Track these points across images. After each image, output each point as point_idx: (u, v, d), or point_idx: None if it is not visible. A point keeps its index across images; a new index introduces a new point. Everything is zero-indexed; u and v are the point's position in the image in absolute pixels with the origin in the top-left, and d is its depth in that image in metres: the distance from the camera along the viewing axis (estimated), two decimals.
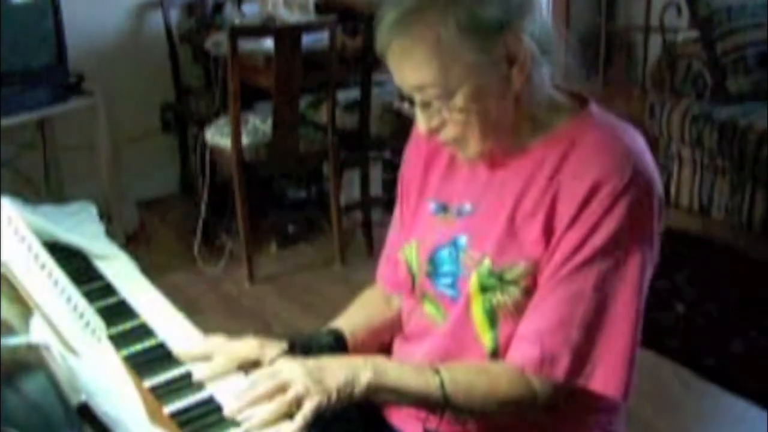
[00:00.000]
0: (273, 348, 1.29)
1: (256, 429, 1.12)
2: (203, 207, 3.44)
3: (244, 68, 3.15)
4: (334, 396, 1.14)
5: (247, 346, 1.28)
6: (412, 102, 1.27)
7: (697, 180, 3.66)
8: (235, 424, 1.15)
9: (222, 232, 3.58)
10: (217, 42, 3.45)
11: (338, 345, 1.39)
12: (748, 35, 3.66)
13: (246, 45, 3.19)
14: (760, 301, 3.04)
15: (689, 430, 2.50)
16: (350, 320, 1.45)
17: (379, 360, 1.25)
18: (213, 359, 1.27)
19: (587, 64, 4.96)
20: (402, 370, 1.23)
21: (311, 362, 1.18)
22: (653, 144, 3.88)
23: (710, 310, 3.02)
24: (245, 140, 3.22)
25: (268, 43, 3.19)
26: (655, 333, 2.89)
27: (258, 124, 3.32)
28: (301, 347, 1.33)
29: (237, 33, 3.09)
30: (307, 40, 3.16)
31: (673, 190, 3.76)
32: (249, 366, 1.26)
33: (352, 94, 3.56)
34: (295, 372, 1.15)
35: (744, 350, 2.78)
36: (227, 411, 1.15)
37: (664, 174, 3.78)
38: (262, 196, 3.74)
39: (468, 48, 1.19)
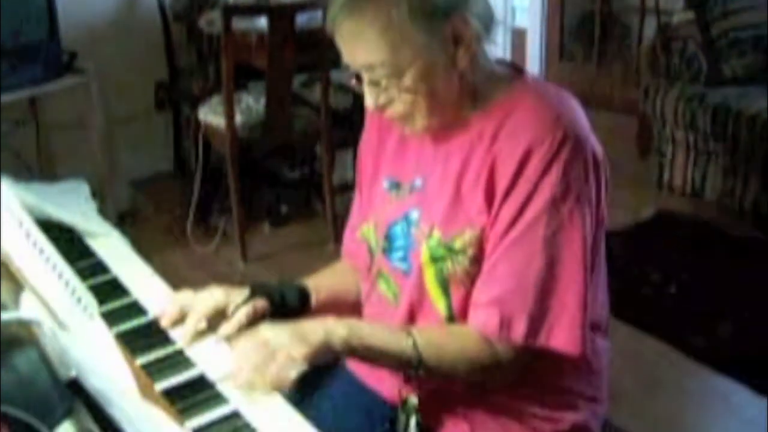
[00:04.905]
0: (237, 295, 1.35)
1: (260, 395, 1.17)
2: (196, 186, 3.44)
3: (238, 47, 3.14)
4: (319, 352, 1.21)
5: (214, 296, 1.34)
6: (360, 79, 1.30)
7: (691, 162, 3.67)
8: (225, 400, 1.16)
9: (215, 211, 3.58)
10: (210, 20, 3.43)
11: (302, 298, 1.44)
12: (743, 17, 3.66)
13: (240, 24, 3.17)
14: (751, 283, 3.06)
15: (677, 409, 2.52)
16: (315, 281, 1.50)
17: (353, 320, 1.31)
18: (186, 318, 1.32)
19: (582, 46, 4.96)
20: (376, 330, 1.30)
21: (289, 325, 1.25)
22: (647, 127, 3.89)
23: (701, 291, 3.03)
24: (239, 119, 3.21)
25: (262, 21, 3.18)
26: (646, 313, 2.90)
27: (251, 104, 3.31)
28: (264, 294, 1.37)
29: (231, 12, 3.08)
30: (301, 19, 3.14)
31: (666, 172, 3.76)
32: (218, 316, 1.32)
33: (346, 73, 3.54)
34: (280, 336, 1.21)
35: (734, 332, 2.80)
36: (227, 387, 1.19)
37: (657, 156, 3.79)
38: (256, 175, 3.73)
39: (418, 30, 1.23)
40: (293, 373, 1.18)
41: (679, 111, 3.60)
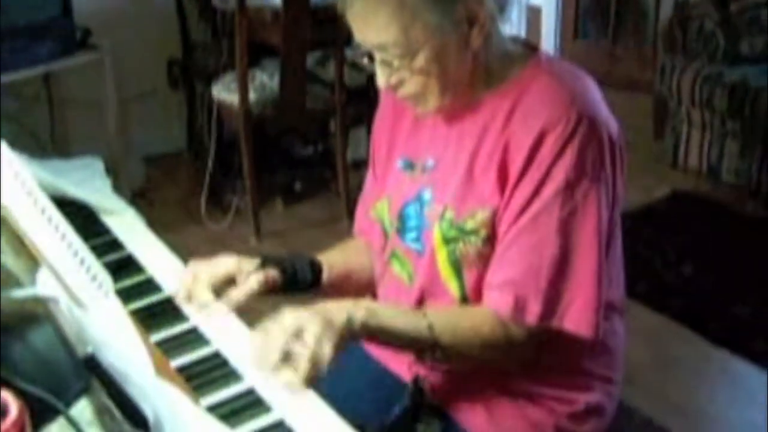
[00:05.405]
0: (248, 263, 1.36)
1: (301, 382, 1.13)
2: (210, 163, 3.43)
3: (252, 24, 3.12)
4: (344, 335, 1.18)
5: (225, 263, 1.36)
6: (372, 58, 1.29)
7: (707, 142, 3.64)
8: (240, 378, 1.16)
9: (228, 188, 3.58)
10: None
11: (313, 272, 1.43)
12: None
13: (254, 0, 3.16)
14: (767, 263, 3.04)
15: (693, 391, 2.51)
16: (328, 257, 1.49)
17: (369, 302, 1.30)
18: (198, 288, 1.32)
19: (597, 23, 4.92)
20: (392, 311, 1.28)
21: (316, 312, 1.19)
22: (663, 106, 3.86)
23: (717, 272, 3.02)
24: (252, 96, 3.20)
25: None
26: (662, 295, 2.89)
27: (265, 81, 3.30)
28: (275, 265, 1.37)
29: None
30: None
31: (681, 152, 3.74)
32: (228, 284, 1.33)
33: (360, 51, 3.53)
34: (304, 317, 1.16)
35: (750, 313, 2.79)
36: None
37: (672, 136, 3.76)
38: (269, 152, 3.73)
39: (430, 10, 1.21)
40: (325, 367, 1.15)
41: (695, 90, 3.56)
